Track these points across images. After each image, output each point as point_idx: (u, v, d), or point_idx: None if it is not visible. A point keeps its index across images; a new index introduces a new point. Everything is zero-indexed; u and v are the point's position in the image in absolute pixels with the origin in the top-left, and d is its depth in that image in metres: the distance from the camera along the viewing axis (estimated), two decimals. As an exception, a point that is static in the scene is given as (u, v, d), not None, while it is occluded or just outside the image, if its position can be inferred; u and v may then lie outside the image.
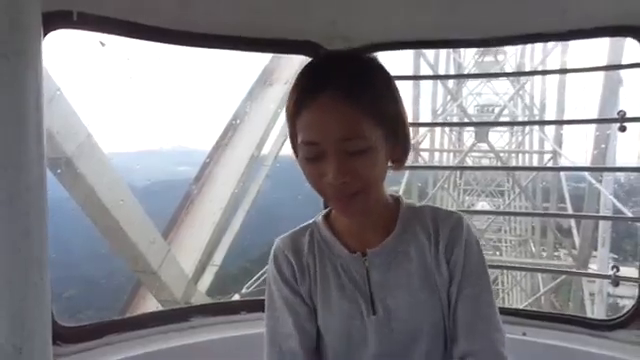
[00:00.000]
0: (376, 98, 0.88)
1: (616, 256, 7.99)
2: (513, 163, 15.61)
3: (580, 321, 1.62)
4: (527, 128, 15.18)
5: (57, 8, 1.29)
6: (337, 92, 0.84)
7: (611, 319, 1.60)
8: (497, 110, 15.98)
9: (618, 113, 1.56)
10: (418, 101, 12.66)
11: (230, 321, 1.65)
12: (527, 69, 12.79)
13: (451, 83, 13.43)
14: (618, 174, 7.85)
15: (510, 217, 16.33)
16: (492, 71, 15.51)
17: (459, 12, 1.52)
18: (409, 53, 11.16)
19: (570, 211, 11.33)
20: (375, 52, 1.62)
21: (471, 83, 18.43)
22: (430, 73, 13.42)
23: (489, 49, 16.28)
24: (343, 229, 0.99)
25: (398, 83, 0.97)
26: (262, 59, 6.92)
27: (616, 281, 1.61)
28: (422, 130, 10.77)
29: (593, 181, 7.83)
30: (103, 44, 1.65)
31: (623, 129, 1.55)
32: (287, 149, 1.01)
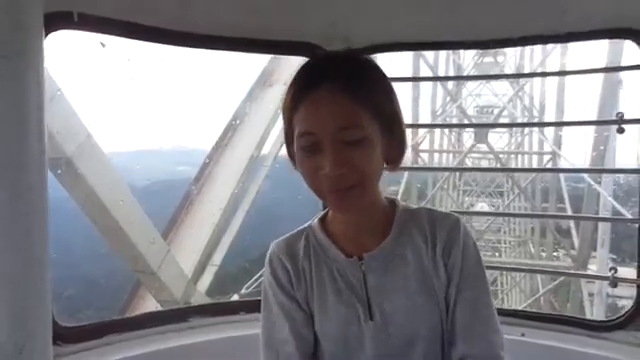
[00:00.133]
0: (372, 93, 0.89)
1: (615, 257, 8.00)
2: (512, 164, 15.63)
3: (578, 322, 1.62)
4: (526, 129, 15.20)
5: (58, 9, 1.29)
6: (334, 85, 0.85)
7: (609, 320, 1.60)
8: (496, 111, 15.99)
9: (617, 115, 1.56)
10: (417, 102, 12.67)
11: (229, 321, 1.65)
12: (526, 70, 12.82)
13: (450, 84, 13.43)
14: (617, 175, 7.85)
15: (509, 218, 16.34)
16: (492, 72, 15.49)
17: (459, 14, 1.52)
18: (408, 54, 11.17)
19: (569, 212, 11.34)
20: (375, 53, 1.63)
21: (470, 84, 18.47)
22: (430, 74, 13.41)
23: (488, 50, 16.34)
24: (339, 233, 0.98)
25: (397, 85, 0.97)
26: (261, 60, 6.93)
27: (614, 282, 1.61)
28: (421, 131, 10.79)
29: (592, 182, 7.83)
30: (104, 45, 1.65)
31: (621, 131, 1.55)
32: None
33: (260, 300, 1.02)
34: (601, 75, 7.81)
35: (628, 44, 1.53)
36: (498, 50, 16.92)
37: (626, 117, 1.57)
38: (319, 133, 0.85)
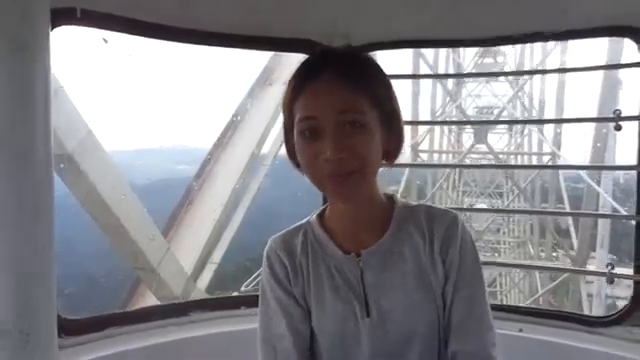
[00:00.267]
0: (371, 84, 0.90)
1: (614, 257, 8.00)
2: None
3: (576, 318, 1.63)
4: (526, 130, 15.20)
5: (61, 5, 1.31)
6: (334, 74, 0.87)
7: (606, 316, 1.61)
8: (496, 112, 16.00)
9: (614, 112, 1.58)
10: (417, 100, 12.67)
11: (229, 316, 1.66)
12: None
13: (450, 84, 13.46)
14: (617, 175, 7.86)
15: (509, 219, 16.33)
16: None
17: (459, 11, 1.54)
18: (408, 54, 11.19)
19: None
20: (374, 51, 1.64)
21: (470, 85, 18.49)
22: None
23: (488, 50, 16.35)
24: (337, 229, 0.99)
25: (397, 83, 0.99)
26: (262, 58, 6.94)
27: (611, 278, 1.62)
28: (421, 131, 10.79)
29: (591, 182, 7.83)
30: (106, 41, 1.66)
31: (619, 128, 1.56)
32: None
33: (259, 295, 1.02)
34: (600, 76, 7.82)
35: (628, 43, 1.55)
36: (498, 50, 17.00)
37: (626, 115, 1.59)
38: (320, 117, 0.86)
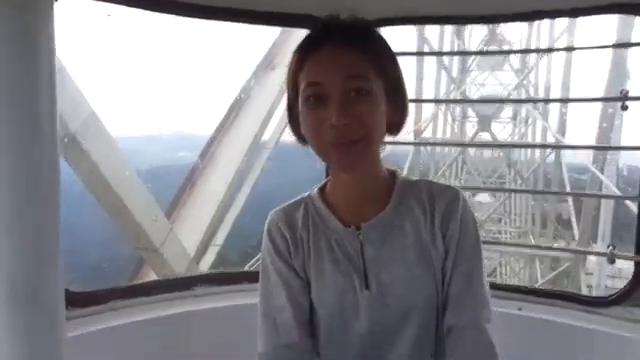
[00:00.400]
0: (377, 54, 0.90)
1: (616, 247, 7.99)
2: (515, 155, 15.59)
3: (575, 298, 1.64)
4: (530, 119, 15.15)
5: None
6: (340, 42, 0.87)
7: (606, 296, 1.62)
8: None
9: (621, 92, 1.57)
10: (421, 86, 12.59)
11: (232, 290, 1.68)
12: (532, 59, 12.70)
13: (455, 72, 13.38)
14: (620, 165, 7.84)
15: (510, 209, 16.33)
16: (496, 61, 15.40)
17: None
18: (413, 40, 11.11)
19: (571, 203, 11.34)
20: (380, 27, 1.63)
21: (475, 74, 18.38)
22: (434, 61, 13.33)
23: (494, 38, 16.22)
24: (338, 203, 0.99)
25: (402, 59, 0.98)
26: (265, 43, 6.91)
27: (612, 258, 1.63)
28: (424, 117, 10.75)
29: (595, 170, 7.80)
30: (109, 15, 1.66)
31: (625, 108, 1.56)
32: (288, 135, 1.01)
33: (262, 272, 1.03)
34: (609, 60, 7.74)
35: (638, 21, 1.52)
36: (503, 39, 16.85)
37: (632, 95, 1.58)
38: (325, 83, 0.86)
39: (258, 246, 1.05)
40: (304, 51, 0.90)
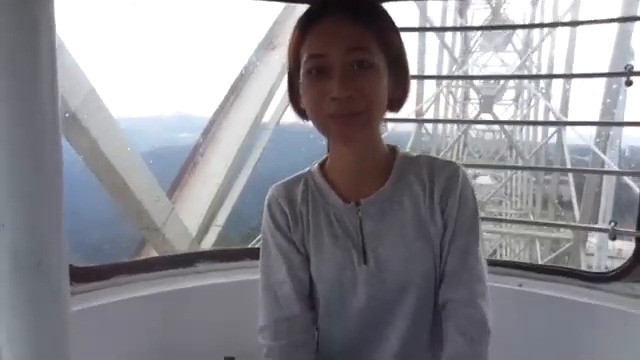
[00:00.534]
0: (380, 27, 0.90)
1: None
2: (517, 136, 15.54)
3: (576, 273, 1.64)
4: (532, 100, 15.05)
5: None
6: (342, 15, 0.86)
7: (607, 272, 1.62)
8: (502, 82, 15.81)
9: (625, 67, 1.55)
10: (423, 62, 12.50)
11: (234, 267, 1.69)
12: (535, 39, 12.57)
13: (457, 53, 13.25)
14: (623, 146, 7.80)
15: (511, 191, 16.35)
16: (500, 41, 15.24)
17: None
18: (415, 19, 10.96)
19: (572, 185, 11.33)
20: (382, 2, 1.60)
21: (477, 54, 18.21)
22: (435, 43, 13.18)
23: (497, 18, 16.01)
24: (338, 178, 0.99)
25: (403, 36, 0.97)
26: (265, 23, 6.84)
27: (613, 234, 1.63)
28: (426, 98, 10.69)
29: (597, 150, 7.77)
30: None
31: (630, 83, 1.54)
32: (288, 117, 1.01)
33: (263, 248, 1.03)
34: (612, 37, 7.65)
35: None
36: (507, 18, 16.64)
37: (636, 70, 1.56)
38: (328, 55, 0.85)
39: (259, 227, 1.05)
40: (306, 24, 0.89)
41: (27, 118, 0.73)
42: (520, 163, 12.88)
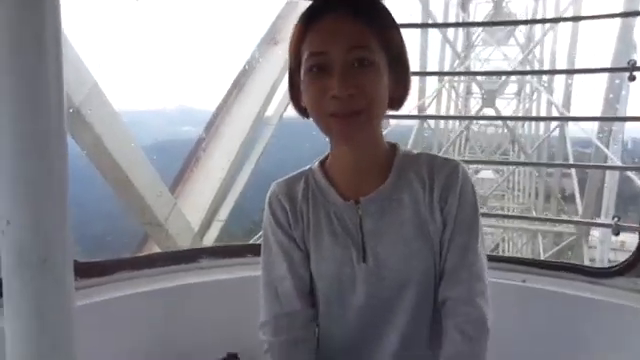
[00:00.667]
0: (381, 25, 0.89)
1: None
2: (519, 131, 15.50)
3: (579, 269, 1.64)
4: (535, 95, 15.00)
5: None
6: (343, 12, 0.86)
7: (610, 267, 1.62)
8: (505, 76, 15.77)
9: (628, 62, 1.55)
10: (425, 58, 12.46)
11: (237, 263, 1.69)
12: (537, 35, 12.51)
13: (459, 48, 13.19)
14: (625, 138, 7.78)
15: (513, 186, 16.32)
16: (502, 36, 15.17)
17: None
18: (417, 14, 10.91)
19: (574, 178, 11.31)
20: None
21: (479, 49, 18.13)
22: (437, 39, 13.13)
23: (499, 13, 15.93)
24: (338, 176, 0.99)
25: (405, 34, 0.97)
26: (268, 17, 6.82)
27: (617, 230, 1.63)
28: (428, 93, 10.66)
29: (599, 144, 7.75)
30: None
31: (633, 78, 1.54)
32: (291, 111, 1.01)
33: (264, 244, 1.03)
34: (614, 32, 7.61)
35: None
36: (509, 13, 16.56)
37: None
38: (329, 53, 0.85)
39: (261, 222, 1.06)
40: (307, 21, 0.89)
41: (33, 116, 0.73)
42: (522, 157, 12.86)
